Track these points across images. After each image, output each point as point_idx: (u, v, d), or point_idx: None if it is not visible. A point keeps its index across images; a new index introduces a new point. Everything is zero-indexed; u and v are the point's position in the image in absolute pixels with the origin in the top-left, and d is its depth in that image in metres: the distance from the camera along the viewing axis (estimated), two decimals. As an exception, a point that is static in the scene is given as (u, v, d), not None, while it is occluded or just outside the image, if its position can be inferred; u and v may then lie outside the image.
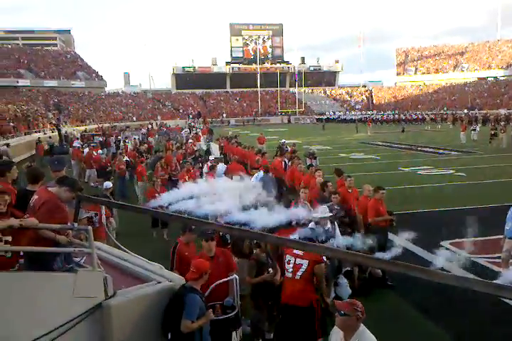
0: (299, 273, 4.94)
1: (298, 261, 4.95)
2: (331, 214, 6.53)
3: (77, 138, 29.65)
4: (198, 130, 39.40)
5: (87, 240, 3.98)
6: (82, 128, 45.45)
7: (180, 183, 11.40)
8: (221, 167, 13.59)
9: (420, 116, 62.49)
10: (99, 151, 18.62)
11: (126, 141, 25.48)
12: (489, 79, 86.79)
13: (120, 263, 4.60)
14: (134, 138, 27.43)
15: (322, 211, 6.37)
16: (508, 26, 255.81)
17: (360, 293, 6.44)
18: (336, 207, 7.75)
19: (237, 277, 4.92)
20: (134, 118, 67.71)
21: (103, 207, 7.27)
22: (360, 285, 6.89)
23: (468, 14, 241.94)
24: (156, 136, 38.27)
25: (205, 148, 23.79)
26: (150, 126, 45.59)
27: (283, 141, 21.06)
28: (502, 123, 35.93)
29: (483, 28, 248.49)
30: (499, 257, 7.34)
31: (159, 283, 4.11)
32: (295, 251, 4.97)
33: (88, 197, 4.95)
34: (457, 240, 8.74)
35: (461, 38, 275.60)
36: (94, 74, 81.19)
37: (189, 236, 5.83)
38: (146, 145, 22.66)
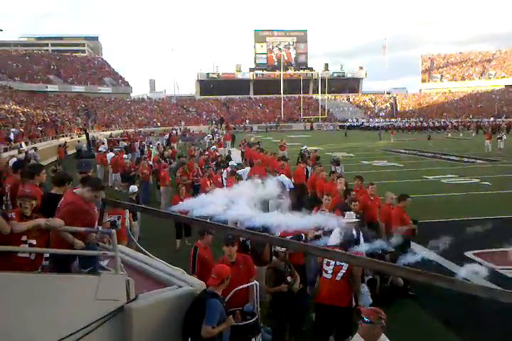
0: (340, 275, 5.15)
1: (338, 262, 5.10)
2: (358, 219, 6.49)
3: (103, 143, 30.13)
4: (220, 136, 39.62)
5: (111, 243, 4.05)
6: (108, 133, 46.18)
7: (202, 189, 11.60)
8: (245, 170, 13.82)
9: (443, 124, 61.62)
10: (124, 156, 18.88)
11: (151, 146, 25.78)
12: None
13: (143, 267, 4.65)
14: (158, 144, 27.73)
15: (349, 216, 6.34)
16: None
17: (381, 302, 6.37)
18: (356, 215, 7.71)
19: (257, 283, 4.92)
20: (159, 124, 68.49)
21: (127, 210, 7.37)
22: (381, 294, 6.81)
23: (495, 20, 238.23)
24: (180, 141, 38.62)
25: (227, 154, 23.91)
26: (174, 132, 46.04)
27: (304, 147, 21.02)
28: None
29: (511, 35, 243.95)
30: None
31: (180, 287, 4.15)
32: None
33: (112, 201, 5.03)
34: (481, 250, 8.59)
35: (488, 44, 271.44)
36: (120, 81, 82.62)
37: (207, 239, 5.93)
38: (170, 150, 22.89)
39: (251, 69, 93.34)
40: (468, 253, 8.46)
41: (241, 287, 4.75)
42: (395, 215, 7.75)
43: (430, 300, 6.62)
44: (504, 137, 30.85)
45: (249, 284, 4.90)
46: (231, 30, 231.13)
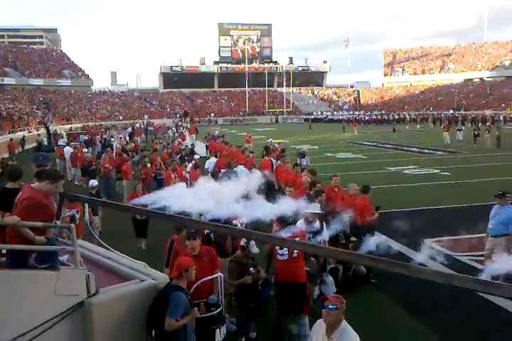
0: (295, 254, 5.43)
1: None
2: (322, 211, 6.55)
3: (62, 137, 29.36)
4: (184, 129, 39.26)
5: (70, 238, 3.95)
6: (68, 126, 45.02)
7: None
8: (211, 160, 14.04)
9: (402, 117, 62.98)
10: (84, 150, 18.46)
11: (112, 139, 25.27)
12: (475, 80, 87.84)
13: (104, 262, 4.57)
14: (120, 137, 27.22)
15: (313, 207, 6.41)
16: (494, 28, 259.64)
17: (344, 290, 6.48)
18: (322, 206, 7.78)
19: (221, 275, 4.92)
20: (121, 117, 67.28)
21: (86, 204, 7.20)
22: (344, 282, 6.92)
23: (455, 16, 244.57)
24: (143, 135, 38.03)
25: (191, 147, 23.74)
26: (137, 125, 45.29)
27: (270, 140, 21.11)
28: (487, 123, 36.34)
29: (470, 30, 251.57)
30: (482, 255, 7.42)
31: (143, 281, 4.09)
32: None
33: (71, 195, 4.89)
34: (441, 238, 8.85)
35: (448, 39, 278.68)
36: (80, 73, 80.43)
37: (184, 234, 5.88)
38: (132, 144, 22.51)
39: (215, 63, 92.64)
40: (429, 241, 8.69)
41: (205, 279, 4.73)
42: (359, 206, 7.87)
43: (392, 287, 6.76)
44: (463, 129, 31.80)
45: (213, 276, 4.88)
46: (194, 22, 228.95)
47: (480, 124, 40.37)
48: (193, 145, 22.23)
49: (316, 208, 6.43)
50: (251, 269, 5.50)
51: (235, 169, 12.34)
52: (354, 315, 5.26)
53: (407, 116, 62.44)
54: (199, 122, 65.01)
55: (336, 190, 9.07)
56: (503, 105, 65.85)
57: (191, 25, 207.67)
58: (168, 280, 4.23)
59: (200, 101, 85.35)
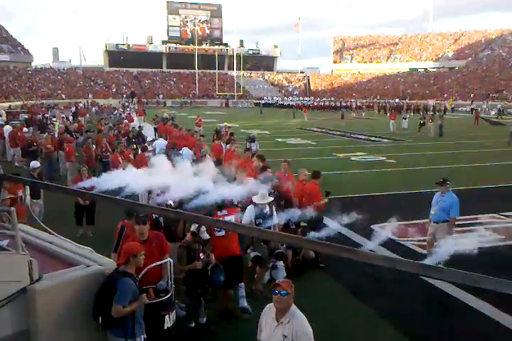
0: None
1: (227, 218, 5.74)
2: (271, 198, 6.56)
3: (1, 115, 27.82)
4: (131, 110, 38.22)
5: (10, 222, 3.74)
6: (7, 104, 42.68)
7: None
8: (161, 142, 13.88)
9: (349, 104, 64.23)
10: (25, 129, 17.57)
11: (54, 119, 24.21)
12: (420, 70, 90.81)
13: (47, 247, 4.36)
14: (63, 117, 26.11)
15: (262, 196, 6.40)
16: (439, 20, 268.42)
17: (293, 274, 6.57)
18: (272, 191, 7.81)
19: (171, 260, 4.84)
20: (63, 96, 64.60)
21: (27, 187, 6.85)
22: (294, 267, 7.02)
23: (403, 7, 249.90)
24: (87, 115, 36.70)
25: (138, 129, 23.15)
26: (81, 105, 43.62)
27: (224, 124, 20.99)
28: (430, 113, 37.74)
29: (417, 21, 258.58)
30: (425, 240, 7.73)
31: (89, 266, 3.95)
32: (219, 214, 5.85)
33: (11, 177, 4.61)
34: (386, 224, 9.12)
35: (395, 29, 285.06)
36: (19, 48, 76.11)
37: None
38: (76, 124, 21.66)
39: (164, 42, 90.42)
40: (375, 227, 8.94)
41: (154, 265, 4.63)
42: (310, 191, 7.97)
43: (340, 271, 6.92)
44: (407, 118, 32.89)
45: (162, 262, 4.79)
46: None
47: (424, 113, 41.84)
48: (140, 127, 21.63)
49: (265, 197, 6.43)
50: (201, 255, 5.45)
51: (179, 151, 12.24)
52: (303, 298, 5.35)
53: (354, 104, 63.79)
54: (147, 104, 63.58)
55: (286, 175, 9.12)
56: (446, 95, 68.59)
57: (139, 2, 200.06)
58: (116, 266, 4.11)
59: (148, 81, 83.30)
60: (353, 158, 18.66)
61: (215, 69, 79.81)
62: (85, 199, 8.17)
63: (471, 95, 64.85)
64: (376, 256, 1.79)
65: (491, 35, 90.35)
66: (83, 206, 8.84)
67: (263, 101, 71.72)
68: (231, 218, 5.84)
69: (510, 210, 10.07)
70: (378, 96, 75.74)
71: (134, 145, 13.70)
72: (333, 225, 8.84)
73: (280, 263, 6.51)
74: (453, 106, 59.63)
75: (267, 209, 6.48)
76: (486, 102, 57.72)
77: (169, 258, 4.88)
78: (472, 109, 55.03)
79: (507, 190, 12.69)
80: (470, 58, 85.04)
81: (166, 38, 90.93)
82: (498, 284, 1.42)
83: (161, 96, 75.45)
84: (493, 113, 51.71)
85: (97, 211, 9.04)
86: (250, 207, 6.42)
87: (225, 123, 21.23)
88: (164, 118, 25.66)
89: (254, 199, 6.36)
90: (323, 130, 32.01)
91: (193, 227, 5.63)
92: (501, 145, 22.28)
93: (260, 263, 6.18)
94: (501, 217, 9.75)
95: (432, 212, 7.35)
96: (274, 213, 6.54)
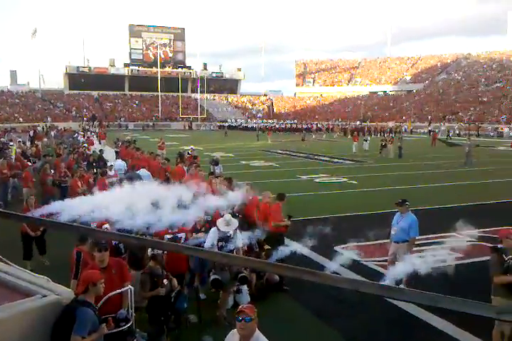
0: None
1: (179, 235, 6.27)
2: (236, 225, 6.52)
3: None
4: (91, 133, 37.65)
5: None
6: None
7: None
8: (119, 163, 13.93)
9: (309, 126, 65.45)
10: (-20, 154, 16.99)
11: (11, 143, 23.52)
12: (379, 93, 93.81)
13: (2, 277, 4.17)
14: (19, 141, 25.43)
15: (227, 223, 6.34)
16: (397, 45, 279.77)
17: (257, 298, 6.51)
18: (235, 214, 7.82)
19: (131, 288, 4.72)
20: (21, 120, 63.04)
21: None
22: (258, 290, 6.96)
23: (362, 32, 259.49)
24: (45, 139, 35.87)
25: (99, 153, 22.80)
26: (39, 129, 42.64)
27: (190, 147, 20.97)
28: (390, 134, 38.83)
29: (376, 46, 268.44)
30: (386, 260, 7.83)
31: (45, 296, 3.80)
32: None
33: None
34: (349, 245, 9.21)
35: (355, 53, 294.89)
36: (-24, 70, 74.37)
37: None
38: (34, 148, 21.12)
39: (126, 65, 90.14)
40: (338, 248, 9.01)
41: (113, 293, 4.50)
42: (273, 213, 8.01)
43: (303, 293, 6.90)
44: (369, 139, 33.71)
45: (122, 289, 4.66)
46: (104, 22, 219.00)
47: (388, 135, 42.95)
48: (101, 150, 21.29)
49: (228, 219, 6.40)
50: (164, 281, 5.35)
51: (137, 172, 12.40)
52: (267, 322, 5.30)
53: (314, 126, 65.10)
54: (108, 126, 62.79)
55: (250, 197, 9.13)
56: (404, 117, 70.86)
57: (100, 25, 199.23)
58: (74, 295, 3.97)
59: (110, 104, 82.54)
60: (316, 180, 18.88)
61: (179, 91, 79.97)
62: (39, 228, 7.94)
63: (429, 117, 67.30)
64: (338, 279, 1.80)
65: (447, 59, 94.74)
66: (32, 237, 8.28)
67: (227, 124, 72.09)
68: (182, 235, 6.17)
69: (467, 229, 10.35)
70: (340, 119, 77.50)
71: (95, 170, 13.43)
72: (296, 247, 8.87)
73: (244, 287, 6.45)
74: (411, 127, 61.65)
75: (231, 231, 6.44)
76: (442, 124, 59.96)
77: (130, 286, 4.76)
78: (429, 131, 57.14)
79: (465, 209, 13.09)
80: (427, 82, 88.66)
81: (128, 61, 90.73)
82: (454, 303, 1.45)
83: (122, 119, 74.69)
84: (450, 134, 53.76)
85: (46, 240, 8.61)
86: (214, 230, 6.38)
87: (191, 146, 21.24)
88: (126, 141, 25.38)
89: (219, 225, 6.33)
90: (287, 152, 32.35)
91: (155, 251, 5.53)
92: (458, 166, 23.06)
93: (220, 286, 6.09)
94: (459, 235, 10.02)
95: (392, 232, 7.48)
96: (238, 236, 6.51)
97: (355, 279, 1.78)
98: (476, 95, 71.68)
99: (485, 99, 68.44)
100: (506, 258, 5.09)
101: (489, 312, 1.42)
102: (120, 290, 4.64)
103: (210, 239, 6.29)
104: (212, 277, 6.09)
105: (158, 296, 5.22)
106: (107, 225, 5.51)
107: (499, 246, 5.30)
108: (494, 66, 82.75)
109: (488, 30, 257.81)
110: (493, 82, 75.52)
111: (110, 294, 4.44)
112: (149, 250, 5.68)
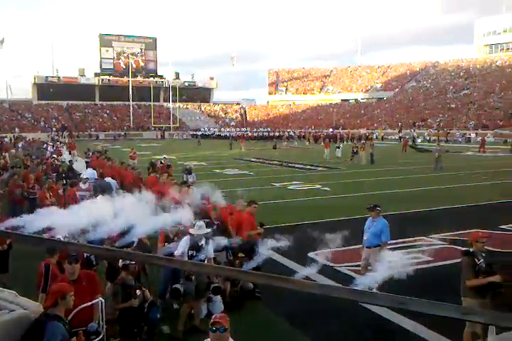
0: None
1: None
2: (209, 230, 6.50)
3: None
4: (61, 144, 37.01)
5: None
6: None
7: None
8: (90, 172, 13.95)
9: (281, 134, 65.63)
10: None
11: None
12: (351, 101, 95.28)
13: (-34, 293, 4.05)
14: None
15: (199, 227, 6.34)
16: (368, 53, 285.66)
17: (232, 306, 6.48)
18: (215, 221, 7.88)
19: (102, 300, 4.63)
20: (-13, 131, 61.58)
21: None
22: (232, 298, 6.92)
23: (332, 41, 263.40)
24: (12, 150, 35.02)
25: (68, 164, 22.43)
26: (6, 140, 41.67)
27: (163, 156, 20.87)
28: (362, 141, 39.39)
29: (347, 54, 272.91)
30: (359, 265, 7.90)
31: (13, 311, 3.71)
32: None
33: None
34: (322, 251, 9.25)
35: (327, 62, 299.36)
36: None
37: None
38: (1, 160, 20.61)
39: (96, 74, 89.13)
40: (311, 254, 9.05)
41: (84, 305, 4.42)
42: (246, 220, 8.01)
43: (276, 300, 6.88)
44: (341, 146, 34.12)
45: (93, 302, 4.58)
46: (73, 32, 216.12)
47: (359, 142, 43.50)
48: (71, 161, 20.93)
49: (201, 226, 6.38)
50: (137, 292, 5.26)
51: (105, 179, 12.70)
52: (241, 330, 5.27)
53: (286, 134, 65.50)
54: (78, 137, 61.86)
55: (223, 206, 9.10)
56: (376, 125, 72.06)
57: (70, 34, 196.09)
58: (43, 309, 3.88)
59: (80, 114, 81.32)
60: (289, 187, 18.97)
61: (151, 101, 79.36)
62: (6, 242, 7.66)
63: (399, 124, 68.61)
64: (311, 284, 1.81)
65: (415, 67, 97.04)
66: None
67: (200, 133, 71.89)
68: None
69: (437, 233, 10.57)
70: (313, 126, 78.27)
71: (64, 181, 13.17)
72: (270, 254, 8.89)
73: (218, 297, 6.40)
74: (383, 134, 62.74)
75: (203, 241, 6.40)
76: (413, 131, 61.23)
77: (100, 298, 4.68)
78: (400, 137, 58.27)
79: (434, 213, 13.37)
80: (397, 89, 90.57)
81: (98, 70, 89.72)
82: (422, 305, 1.48)
83: (93, 129, 73.66)
84: (419, 140, 54.97)
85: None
86: (185, 238, 6.32)
87: (164, 156, 21.14)
88: (97, 151, 25.03)
89: (191, 230, 6.31)
90: (261, 160, 32.44)
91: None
92: (428, 171, 23.54)
93: (178, 297, 5.98)
94: (429, 239, 10.21)
95: (365, 237, 7.57)
96: (210, 246, 6.47)
97: (327, 284, 1.80)
98: (445, 102, 73.53)
99: (453, 106, 70.25)
100: (478, 262, 5.21)
101: (456, 314, 1.46)
102: (91, 303, 4.56)
103: (181, 247, 6.23)
104: (173, 286, 5.98)
105: (130, 307, 5.13)
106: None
107: (471, 249, 5.42)
108: (461, 74, 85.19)
109: (455, 39, 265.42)
110: (461, 89, 77.69)
111: (80, 307, 4.36)
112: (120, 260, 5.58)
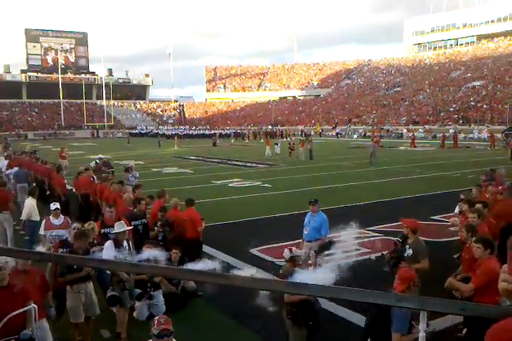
0: None
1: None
2: (127, 228, 6.33)
3: None
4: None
5: None
6: None
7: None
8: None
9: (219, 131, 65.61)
10: None
11: None
12: (289, 98, 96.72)
13: None
14: None
15: (120, 225, 6.20)
16: (303, 51, 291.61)
17: (174, 307, 6.37)
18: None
19: (35, 306, 4.39)
20: None
21: None
22: (175, 300, 6.80)
23: (269, 38, 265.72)
24: None
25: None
26: None
27: (99, 156, 20.21)
28: (300, 138, 40.04)
29: (283, 52, 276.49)
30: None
31: None
32: None
33: None
34: (264, 246, 9.35)
35: (264, 59, 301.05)
36: None
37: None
38: None
39: (23, 71, 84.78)
40: (253, 250, 9.09)
41: (15, 313, 4.17)
42: (189, 218, 8.02)
43: (218, 298, 6.85)
44: (280, 143, 34.52)
45: (25, 308, 4.33)
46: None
47: (294, 138, 44.21)
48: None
49: (121, 227, 6.23)
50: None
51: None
52: (184, 331, 5.20)
53: (223, 131, 65.46)
54: (5, 138, 58.56)
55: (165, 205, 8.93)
56: (313, 121, 73.62)
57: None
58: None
59: (6, 113, 77.10)
60: (230, 185, 18.95)
61: (82, 98, 76.52)
62: None
63: (335, 120, 70.49)
64: (249, 280, 1.80)
65: (350, 65, 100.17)
66: None
67: (136, 131, 70.25)
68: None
69: (373, 225, 10.94)
70: (252, 124, 78.72)
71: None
72: (211, 251, 8.85)
73: (160, 298, 6.27)
74: (320, 131, 64.16)
75: (125, 243, 6.21)
76: (348, 127, 63.12)
77: (33, 305, 4.43)
78: (337, 133, 59.90)
79: (371, 206, 13.84)
80: (333, 87, 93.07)
81: (25, 67, 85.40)
82: (353, 293, 1.50)
83: (20, 129, 69.97)
84: (355, 136, 56.77)
85: None
86: (109, 243, 6.08)
87: (100, 155, 20.50)
88: (26, 151, 23.79)
89: (115, 229, 6.22)
90: (200, 158, 32.20)
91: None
92: (364, 166, 24.35)
93: (116, 303, 5.79)
94: (367, 231, 10.55)
95: (305, 231, 7.69)
96: (132, 248, 6.31)
97: (264, 279, 1.79)
98: (378, 99, 76.34)
99: (386, 103, 73.07)
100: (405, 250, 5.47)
101: (389, 301, 1.49)
102: (22, 310, 4.31)
103: (107, 252, 5.98)
104: (109, 294, 5.77)
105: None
106: None
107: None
108: (393, 71, 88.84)
109: (387, 38, 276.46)
110: (393, 87, 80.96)
111: (11, 314, 4.13)
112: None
